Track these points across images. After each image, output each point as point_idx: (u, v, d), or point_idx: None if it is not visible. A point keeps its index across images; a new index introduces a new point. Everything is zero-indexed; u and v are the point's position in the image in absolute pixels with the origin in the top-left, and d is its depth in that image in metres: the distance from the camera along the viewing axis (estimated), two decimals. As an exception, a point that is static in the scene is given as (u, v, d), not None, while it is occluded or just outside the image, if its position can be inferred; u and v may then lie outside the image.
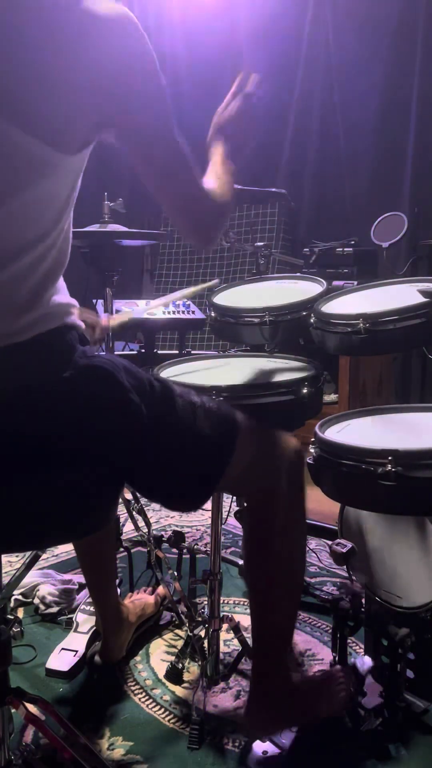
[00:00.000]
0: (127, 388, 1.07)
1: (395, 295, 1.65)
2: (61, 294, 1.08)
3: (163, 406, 1.12)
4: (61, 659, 1.66)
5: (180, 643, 1.69)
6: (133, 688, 1.61)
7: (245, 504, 1.34)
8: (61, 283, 1.10)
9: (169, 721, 1.50)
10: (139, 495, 1.96)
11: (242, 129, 1.33)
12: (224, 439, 1.14)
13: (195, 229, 1.17)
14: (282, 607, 1.31)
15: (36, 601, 1.93)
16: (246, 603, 1.95)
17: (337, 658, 1.51)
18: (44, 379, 1.02)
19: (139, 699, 1.57)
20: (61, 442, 1.02)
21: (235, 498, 2.01)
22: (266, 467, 1.21)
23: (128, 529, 2.15)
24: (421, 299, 1.45)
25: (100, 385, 1.06)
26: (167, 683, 1.62)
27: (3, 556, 1.22)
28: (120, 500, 1.96)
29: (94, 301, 2.49)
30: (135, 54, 0.99)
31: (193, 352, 2.40)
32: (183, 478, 1.14)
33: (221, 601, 1.60)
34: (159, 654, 1.74)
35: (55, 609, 1.89)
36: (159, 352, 2.59)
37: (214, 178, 1.22)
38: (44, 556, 2.22)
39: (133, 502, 1.96)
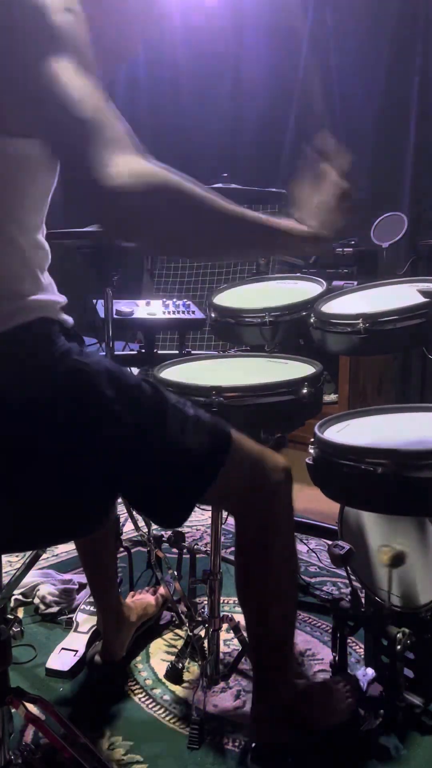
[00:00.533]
0: (108, 398, 1.02)
1: (395, 295, 1.65)
2: (44, 290, 1.05)
3: (151, 417, 1.08)
4: (61, 659, 1.66)
5: (180, 643, 1.69)
6: (133, 688, 1.61)
7: (237, 529, 1.32)
8: (47, 282, 1.07)
9: (169, 721, 1.50)
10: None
11: None
12: (211, 456, 1.11)
13: (74, 185, 0.88)
14: (276, 623, 1.31)
15: (36, 601, 1.93)
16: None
17: (337, 658, 1.51)
18: (18, 375, 0.99)
19: (139, 699, 1.57)
20: (47, 445, 1.00)
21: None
22: (254, 487, 1.19)
23: (128, 529, 2.15)
24: (421, 299, 1.45)
25: (76, 393, 1.01)
26: (167, 683, 1.62)
27: (3, 556, 1.22)
28: (120, 500, 1.96)
29: (94, 301, 2.49)
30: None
31: (193, 352, 2.40)
32: (163, 493, 1.11)
33: (221, 601, 1.60)
34: (159, 654, 1.74)
35: (55, 609, 1.89)
36: (159, 352, 2.59)
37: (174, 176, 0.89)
38: (44, 556, 2.22)
39: (133, 502, 1.96)
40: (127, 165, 0.83)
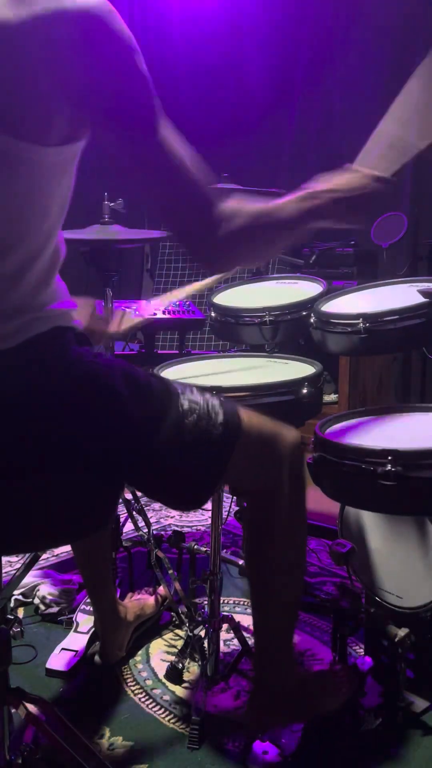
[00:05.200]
0: (124, 398, 1.05)
1: (395, 295, 1.65)
2: (58, 297, 1.06)
3: (163, 409, 1.10)
4: (61, 659, 1.66)
5: (180, 643, 1.69)
6: (133, 688, 1.61)
7: (246, 500, 1.33)
8: (59, 286, 1.08)
9: (169, 721, 1.50)
10: (139, 495, 1.96)
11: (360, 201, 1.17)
12: (224, 439, 1.13)
13: (183, 240, 1.05)
14: (284, 601, 1.30)
15: (36, 601, 1.93)
16: (246, 603, 1.95)
17: (337, 658, 1.51)
18: (35, 384, 1.00)
19: (139, 699, 1.57)
20: (56, 448, 1.01)
21: (235, 498, 2.02)
22: (267, 463, 1.20)
23: (128, 529, 2.15)
24: (421, 299, 1.45)
25: (94, 395, 1.04)
26: (167, 683, 1.62)
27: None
28: (120, 500, 1.96)
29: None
30: (107, 49, 0.93)
31: (193, 352, 2.40)
32: (182, 479, 1.12)
33: (221, 601, 1.61)
34: (159, 654, 1.74)
35: (55, 609, 1.89)
36: (159, 352, 2.59)
37: (253, 205, 1.07)
38: (44, 556, 2.22)
39: (133, 502, 1.96)
40: (225, 214, 1.02)
